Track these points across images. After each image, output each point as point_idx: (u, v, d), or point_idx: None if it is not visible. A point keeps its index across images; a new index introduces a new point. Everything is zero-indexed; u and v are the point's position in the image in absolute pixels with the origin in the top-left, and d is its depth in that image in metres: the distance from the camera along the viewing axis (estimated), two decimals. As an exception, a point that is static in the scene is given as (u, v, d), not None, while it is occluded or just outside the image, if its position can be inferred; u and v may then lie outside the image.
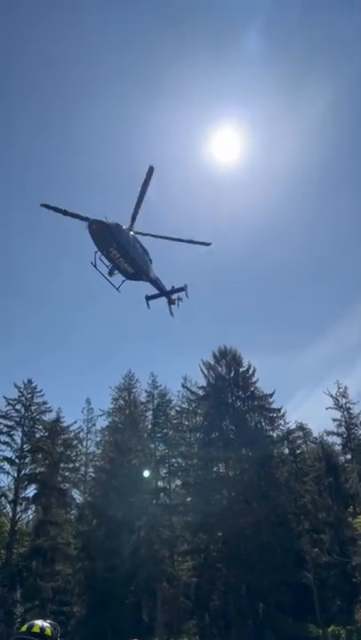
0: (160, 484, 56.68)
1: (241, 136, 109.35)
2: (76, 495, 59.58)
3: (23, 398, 58.22)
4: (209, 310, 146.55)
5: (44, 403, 59.09)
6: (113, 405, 62.58)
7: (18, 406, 57.64)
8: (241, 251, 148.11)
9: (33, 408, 58.33)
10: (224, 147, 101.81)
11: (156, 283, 27.24)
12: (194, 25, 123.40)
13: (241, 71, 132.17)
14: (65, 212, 22.11)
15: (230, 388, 57.28)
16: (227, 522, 49.07)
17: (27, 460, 55.75)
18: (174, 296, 28.90)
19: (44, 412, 58.69)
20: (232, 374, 58.13)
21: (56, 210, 21.94)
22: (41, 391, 59.50)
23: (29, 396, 58.68)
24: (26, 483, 54.66)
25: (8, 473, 54.71)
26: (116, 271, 23.26)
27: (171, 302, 28.89)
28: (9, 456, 55.31)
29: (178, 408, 63.15)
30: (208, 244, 26.45)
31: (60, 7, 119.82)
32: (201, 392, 59.99)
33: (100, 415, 62.70)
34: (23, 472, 54.90)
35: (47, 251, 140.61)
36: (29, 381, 59.34)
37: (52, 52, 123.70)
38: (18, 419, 57.08)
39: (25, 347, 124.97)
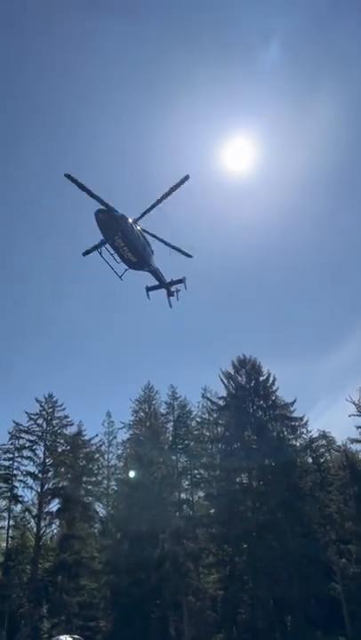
0: (183, 495, 56.42)
1: (253, 145, 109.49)
2: (99, 509, 59.59)
3: (44, 412, 58.66)
4: (227, 319, 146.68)
5: (66, 416, 59.52)
6: (133, 418, 62.61)
7: (39, 421, 58.13)
8: (256, 258, 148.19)
9: (54, 422, 58.74)
10: (236, 156, 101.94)
11: (156, 273, 28.38)
12: (206, 39, 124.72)
13: (252, 83, 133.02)
14: (84, 188, 22.37)
15: (251, 397, 56.87)
16: (251, 533, 48.51)
17: (49, 474, 56.00)
18: (173, 288, 30.09)
19: (66, 426, 59.12)
20: (252, 383, 57.73)
21: (78, 184, 22.16)
22: (62, 405, 59.99)
23: (50, 410, 59.11)
24: (49, 497, 54.86)
25: (31, 488, 55.15)
26: (119, 260, 24.49)
27: (170, 294, 30.13)
28: (32, 470, 55.76)
29: (198, 419, 62.88)
30: (190, 256, 26.82)
31: (77, 24, 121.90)
32: (221, 402, 59.66)
33: (121, 428, 62.80)
34: (46, 486, 55.14)
35: (64, 264, 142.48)
36: (50, 395, 59.85)
37: (68, 65, 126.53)
38: (40, 433, 57.51)
39: (44, 361, 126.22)
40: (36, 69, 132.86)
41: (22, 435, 57.35)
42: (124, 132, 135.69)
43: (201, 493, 57.66)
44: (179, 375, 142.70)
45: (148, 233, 25.43)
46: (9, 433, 57.26)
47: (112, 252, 24.14)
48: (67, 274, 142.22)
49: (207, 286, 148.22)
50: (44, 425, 58.02)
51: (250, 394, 57.10)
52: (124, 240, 23.72)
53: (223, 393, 59.15)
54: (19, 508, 55.68)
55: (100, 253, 23.95)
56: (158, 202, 23.43)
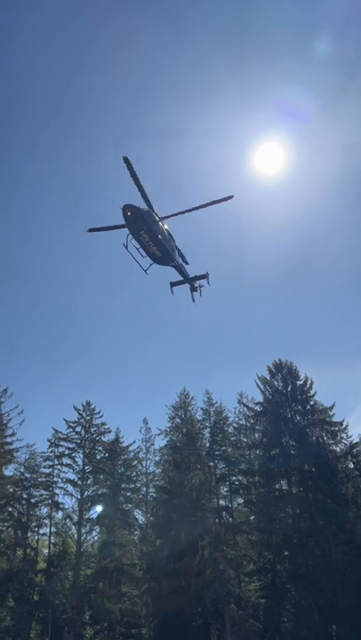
0: (222, 502, 56.04)
1: (286, 148, 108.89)
2: (139, 515, 59.72)
3: (83, 420, 59.49)
4: (262, 323, 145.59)
5: (103, 424, 60.21)
6: (170, 424, 62.58)
7: (78, 428, 59.00)
8: (291, 260, 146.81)
9: (92, 430, 59.46)
10: (269, 158, 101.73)
11: (180, 269, 29.25)
12: (245, 46, 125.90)
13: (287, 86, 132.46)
14: (135, 176, 23.37)
15: (288, 402, 56.06)
16: (292, 540, 47.65)
17: (89, 481, 56.66)
18: (197, 283, 30.96)
19: (104, 434, 59.74)
20: (289, 388, 56.94)
21: (131, 171, 23.12)
22: (99, 412, 60.71)
23: (88, 417, 59.90)
24: (89, 504, 55.46)
25: (72, 495, 55.90)
26: (144, 255, 25.66)
27: (193, 289, 31.06)
28: (72, 478, 56.56)
29: (235, 425, 62.45)
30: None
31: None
32: (258, 408, 59.04)
33: (158, 434, 62.92)
34: (86, 493, 55.79)
35: (103, 278, 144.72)
36: (88, 403, 60.67)
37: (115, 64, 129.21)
38: (79, 441, 58.34)
39: (81, 369, 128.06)
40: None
41: (62, 442, 58.33)
42: (159, 132, 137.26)
43: (240, 500, 57.16)
44: (214, 381, 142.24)
45: (173, 214, 25.93)
46: (48, 441, 58.37)
47: (138, 246, 25.00)
48: (105, 283, 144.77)
49: (240, 291, 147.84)
50: (83, 432, 58.86)
51: (287, 399, 56.30)
52: (149, 235, 24.57)
53: (260, 398, 58.69)
54: (60, 514, 56.66)
55: (127, 247, 24.69)
56: (194, 209, 24.45)
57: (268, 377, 58.48)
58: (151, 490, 60.56)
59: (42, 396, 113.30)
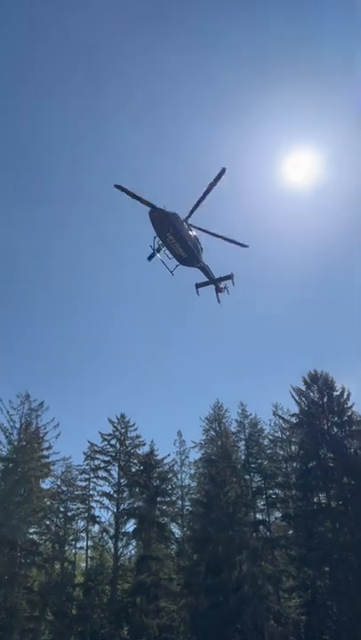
0: (259, 516, 55.15)
1: (316, 159, 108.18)
2: (175, 529, 59.21)
3: (117, 433, 59.72)
4: (294, 334, 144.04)
5: (138, 436, 60.21)
6: (204, 437, 62.18)
7: (113, 441, 59.19)
8: (323, 269, 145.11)
9: (127, 442, 59.56)
10: (299, 168, 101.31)
11: (205, 270, 29.77)
12: (276, 63, 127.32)
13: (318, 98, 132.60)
14: (135, 196, 24.38)
15: (325, 413, 55.15)
16: (333, 555, 46.54)
17: (124, 494, 56.69)
18: (222, 284, 31.35)
19: (138, 446, 59.69)
20: (325, 399, 56.05)
21: (128, 192, 24.28)
22: (134, 425, 60.85)
23: (123, 430, 60.10)
24: (125, 517, 55.38)
25: (108, 508, 55.94)
26: (171, 256, 26.21)
27: (219, 290, 31.44)
28: (107, 491, 56.69)
29: (271, 437, 61.57)
30: (245, 246, 27.72)
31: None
32: (294, 419, 58.30)
33: (193, 447, 62.39)
34: (122, 507, 55.78)
35: (133, 290, 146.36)
36: (122, 416, 60.95)
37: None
38: (114, 453, 58.51)
39: (114, 382, 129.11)
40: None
41: (97, 455, 58.58)
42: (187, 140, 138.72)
43: (277, 514, 56.25)
44: (248, 392, 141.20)
45: (199, 228, 26.72)
46: (84, 454, 58.72)
47: (164, 248, 25.68)
48: (136, 294, 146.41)
49: (273, 300, 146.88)
50: (118, 445, 59.06)
51: (323, 410, 55.41)
52: (175, 236, 25.08)
53: (295, 410, 57.92)
54: (96, 528, 56.70)
55: (153, 247, 25.49)
56: (202, 199, 24.69)
57: (303, 388, 57.75)
58: (187, 503, 60.08)
59: (77, 409, 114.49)
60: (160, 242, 25.36)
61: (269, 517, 55.40)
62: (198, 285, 31.09)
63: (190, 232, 26.29)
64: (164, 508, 57.63)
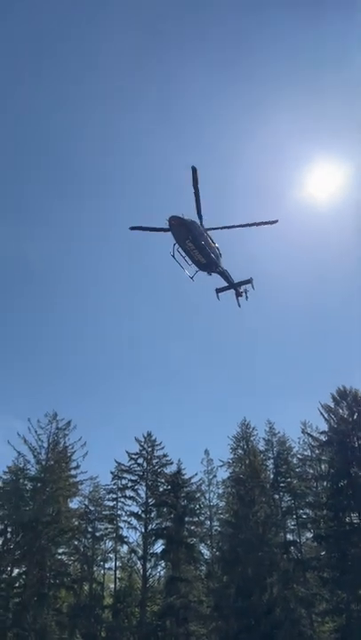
0: (289, 536, 53.96)
1: (338, 170, 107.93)
2: (204, 550, 58.36)
3: (144, 452, 59.57)
4: (322, 348, 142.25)
5: (165, 455, 59.92)
6: (232, 455, 61.49)
7: (140, 460, 59.07)
8: (347, 286, 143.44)
9: (154, 461, 59.32)
10: (322, 181, 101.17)
11: (224, 274, 30.56)
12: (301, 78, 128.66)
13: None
14: (152, 229, 26.19)
15: (355, 431, 53.88)
16: (367, 578, 45.06)
17: (152, 514, 56.25)
18: (241, 288, 32.06)
19: (165, 465, 59.36)
20: (355, 416, 54.71)
21: (144, 229, 26.19)
22: (160, 444, 60.63)
23: (150, 449, 59.91)
24: (153, 538, 54.86)
25: (135, 528, 55.56)
26: (190, 263, 27.33)
27: (238, 294, 32.16)
28: (135, 511, 56.35)
29: (300, 455, 60.50)
30: (275, 222, 27.93)
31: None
32: (323, 437, 57.06)
33: (220, 466, 61.79)
34: (150, 527, 55.33)
35: (159, 306, 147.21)
36: (149, 434, 60.80)
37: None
38: (141, 472, 58.32)
39: (140, 400, 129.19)
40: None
41: (124, 475, 58.51)
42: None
43: (308, 534, 54.88)
44: (276, 410, 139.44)
45: (218, 227, 27.31)
46: (111, 473, 58.76)
47: (184, 254, 26.69)
48: (163, 311, 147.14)
49: (299, 317, 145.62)
50: (145, 464, 58.86)
51: (353, 427, 54.05)
52: (194, 243, 26.17)
53: (324, 427, 56.76)
54: (125, 548, 56.41)
55: (173, 256, 26.55)
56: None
57: (332, 405, 56.64)
58: (215, 523, 59.29)
59: (103, 427, 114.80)
60: (179, 248, 26.33)
61: (300, 538, 54.10)
62: (218, 290, 31.81)
63: (209, 238, 27.19)
64: (192, 528, 56.88)
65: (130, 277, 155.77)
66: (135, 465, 58.90)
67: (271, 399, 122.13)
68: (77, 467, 56.27)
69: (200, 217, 26.17)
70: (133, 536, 55.96)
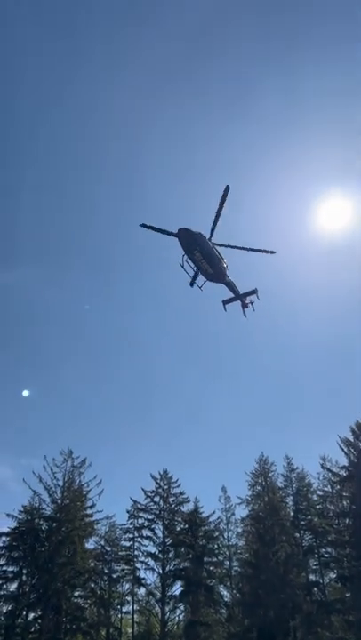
0: (312, 577, 52.14)
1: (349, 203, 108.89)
2: (223, 591, 56.46)
3: (160, 490, 58.65)
4: (339, 381, 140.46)
5: (181, 493, 58.96)
6: (250, 492, 60.02)
7: (156, 498, 58.13)
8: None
9: (171, 500, 58.32)
10: (332, 215, 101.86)
11: (230, 285, 32.01)
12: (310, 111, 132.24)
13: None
14: (160, 230, 27.48)
15: (376, 465, 52.59)
16: (396, 621, 43.18)
17: (170, 554, 54.90)
18: (247, 300, 33.30)
19: (182, 503, 58.30)
20: (376, 450, 53.59)
21: (153, 228, 27.51)
22: (177, 481, 59.72)
23: (166, 487, 59.01)
24: (171, 579, 53.38)
25: (153, 569, 54.13)
26: (199, 274, 29.09)
27: (244, 305, 33.39)
28: (152, 551, 55.08)
29: (320, 492, 58.85)
30: (272, 252, 29.93)
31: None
32: (343, 472, 55.68)
33: (239, 504, 60.24)
34: (168, 568, 53.90)
35: (176, 338, 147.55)
36: (165, 472, 60.00)
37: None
38: (157, 511, 57.28)
39: (156, 435, 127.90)
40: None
41: (141, 514, 57.50)
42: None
43: (332, 575, 52.94)
44: (294, 444, 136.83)
45: (223, 245, 29.15)
46: (127, 512, 57.82)
47: (192, 265, 28.39)
48: (178, 345, 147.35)
49: (316, 350, 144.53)
50: (162, 503, 57.86)
51: (374, 461, 52.85)
52: (202, 254, 27.81)
53: (344, 461, 55.49)
54: (142, 591, 54.84)
55: (182, 266, 28.17)
56: (217, 217, 27.27)
57: (351, 438, 55.51)
58: (235, 564, 57.53)
59: (118, 465, 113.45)
60: (188, 259, 28.04)
61: (323, 579, 52.23)
62: (225, 302, 32.95)
63: (216, 251, 28.78)
64: (211, 569, 55.27)
65: (146, 316, 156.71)
66: (152, 503, 57.96)
67: (289, 432, 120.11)
68: (93, 505, 55.39)
69: (212, 232, 27.87)
70: (151, 577, 54.56)
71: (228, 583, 56.40)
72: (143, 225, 27.61)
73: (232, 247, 28.95)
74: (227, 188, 26.03)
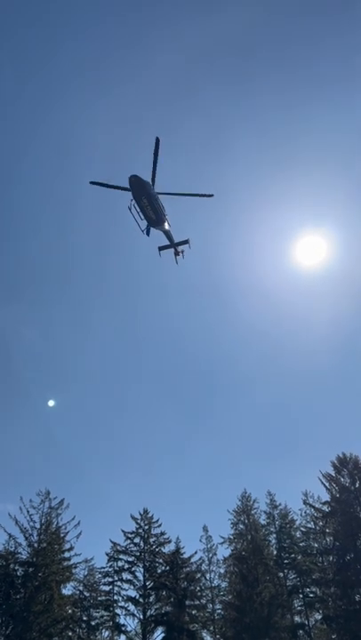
0: (297, 618, 50.85)
1: (326, 240, 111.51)
2: (207, 637, 54.42)
3: (141, 530, 57.13)
4: (319, 415, 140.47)
5: (162, 533, 57.46)
6: (233, 531, 58.67)
7: (136, 539, 56.54)
8: (344, 351, 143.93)
9: (152, 540, 56.74)
10: (309, 251, 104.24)
11: (168, 233, 36.17)
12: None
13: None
14: (111, 186, 30.57)
15: (358, 500, 52.15)
16: (384, 663, 42.08)
17: (151, 598, 53.02)
18: (180, 248, 37.48)
19: (164, 544, 56.73)
20: (357, 484, 53.17)
21: (103, 185, 30.61)
22: (157, 521, 58.26)
23: (147, 527, 57.52)
24: (153, 625, 51.39)
25: (134, 615, 52.14)
26: (143, 218, 32.40)
27: (176, 253, 37.80)
28: (133, 595, 53.16)
29: (303, 528, 58.07)
30: (210, 196, 32.26)
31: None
32: (326, 508, 55.06)
33: (221, 543, 58.77)
34: (149, 613, 51.96)
35: (156, 375, 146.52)
36: (145, 511, 58.56)
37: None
38: (138, 553, 55.58)
39: (135, 476, 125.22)
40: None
41: (120, 556, 55.74)
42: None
43: (317, 615, 51.66)
44: (275, 479, 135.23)
45: (164, 193, 32.09)
46: (106, 554, 55.97)
47: (138, 209, 31.29)
48: (158, 382, 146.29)
49: (293, 384, 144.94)
50: (142, 544, 56.20)
51: (356, 496, 52.39)
52: (148, 200, 30.76)
53: (326, 497, 54.93)
54: (122, 638, 52.56)
55: (130, 209, 30.92)
56: (154, 168, 29.68)
57: (333, 473, 55.12)
58: (218, 606, 55.74)
59: (97, 506, 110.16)
60: (135, 204, 30.89)
61: (308, 620, 50.98)
62: (161, 248, 37.14)
63: (159, 200, 32.00)
64: (193, 612, 53.42)
65: (124, 347, 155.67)
66: (132, 545, 56.28)
67: (270, 467, 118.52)
68: (71, 548, 52.97)
69: (153, 181, 30.50)
70: (132, 624, 52.54)
71: (212, 627, 54.51)
72: (93, 182, 30.48)
73: (172, 194, 32.14)
74: (157, 140, 28.53)
